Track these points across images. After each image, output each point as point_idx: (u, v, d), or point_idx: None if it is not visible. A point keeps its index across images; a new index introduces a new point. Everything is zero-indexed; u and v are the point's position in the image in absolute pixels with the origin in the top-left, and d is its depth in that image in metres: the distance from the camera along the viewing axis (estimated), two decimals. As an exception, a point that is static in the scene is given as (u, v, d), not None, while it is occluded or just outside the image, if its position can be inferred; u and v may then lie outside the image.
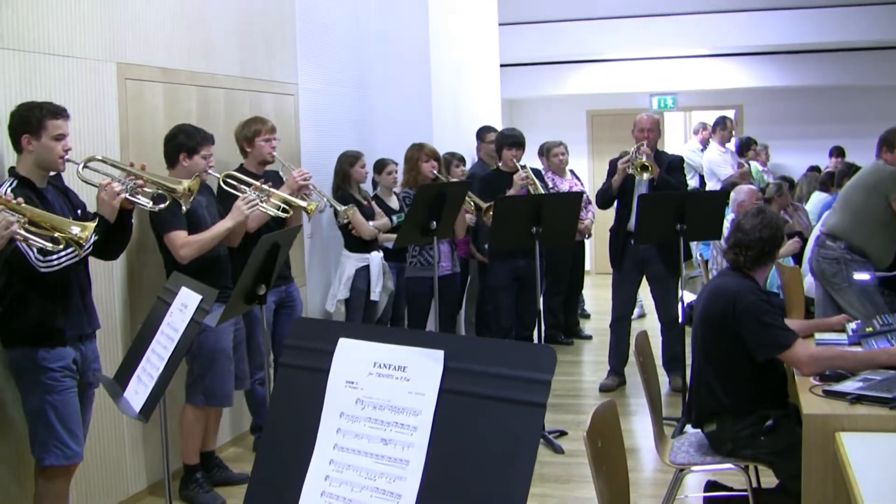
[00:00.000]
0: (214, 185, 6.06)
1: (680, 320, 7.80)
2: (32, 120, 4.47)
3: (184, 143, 5.71)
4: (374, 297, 7.42)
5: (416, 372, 1.96)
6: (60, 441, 4.50)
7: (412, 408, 1.95)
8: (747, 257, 4.66)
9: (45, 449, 4.52)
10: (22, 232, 3.92)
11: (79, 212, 4.65)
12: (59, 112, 4.54)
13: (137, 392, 3.79)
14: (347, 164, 7.47)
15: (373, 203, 7.62)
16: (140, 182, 4.76)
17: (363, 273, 7.41)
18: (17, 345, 4.53)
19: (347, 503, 1.97)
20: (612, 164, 7.96)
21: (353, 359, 2.06)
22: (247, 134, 6.49)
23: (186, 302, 3.80)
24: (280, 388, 2.26)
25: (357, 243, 7.40)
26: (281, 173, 6.62)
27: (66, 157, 4.56)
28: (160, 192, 4.98)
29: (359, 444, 2.00)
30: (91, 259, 4.94)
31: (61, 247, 4.15)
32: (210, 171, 5.84)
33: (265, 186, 6.02)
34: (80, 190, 4.85)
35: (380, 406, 1.99)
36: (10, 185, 4.38)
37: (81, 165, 4.70)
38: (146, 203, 4.84)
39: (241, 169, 6.38)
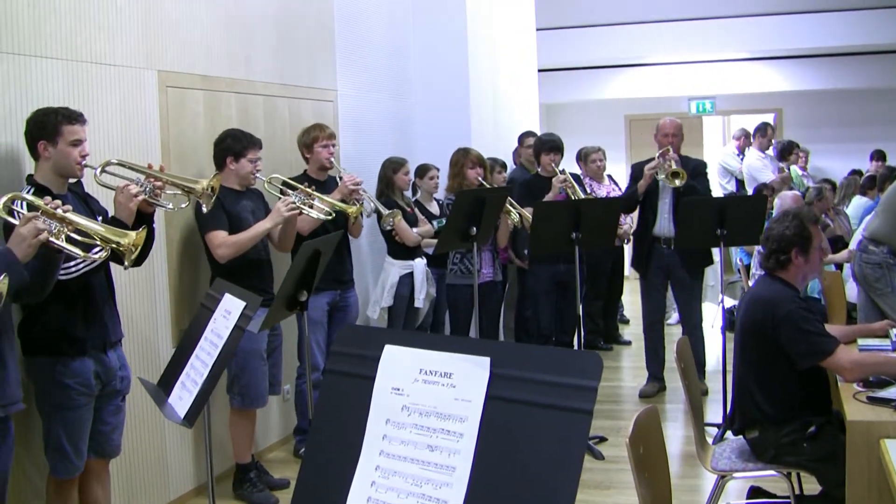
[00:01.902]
0: (263, 190, 6.12)
1: (701, 325, 7.99)
2: (48, 125, 4.40)
3: (230, 146, 5.81)
4: (418, 304, 7.41)
5: (463, 378, 1.97)
6: (65, 456, 4.52)
7: (458, 414, 1.95)
8: (778, 260, 4.63)
9: (50, 459, 4.56)
10: (58, 242, 3.87)
11: (99, 218, 4.56)
12: (76, 117, 4.47)
13: (182, 398, 3.81)
14: (391, 170, 7.48)
15: (416, 209, 7.62)
16: (159, 184, 4.68)
17: (407, 280, 7.39)
18: (37, 353, 4.51)
19: (394, 509, 1.98)
20: (635, 169, 8.01)
21: (399, 365, 2.07)
22: (306, 140, 6.62)
23: (230, 308, 3.81)
24: (326, 394, 2.27)
25: (401, 250, 7.39)
26: (338, 179, 6.64)
27: (84, 162, 4.49)
28: (180, 192, 4.94)
29: (405, 450, 2.00)
30: (132, 267, 4.97)
31: (103, 254, 4.12)
32: (258, 174, 5.90)
33: (310, 190, 6.05)
34: (101, 196, 4.82)
35: (426, 413, 2.00)
36: (28, 192, 4.29)
37: (99, 170, 4.62)
38: (166, 204, 4.79)
39: (304, 175, 6.52)
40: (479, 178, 7.64)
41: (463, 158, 7.75)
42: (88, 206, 4.68)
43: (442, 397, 1.99)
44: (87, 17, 5.17)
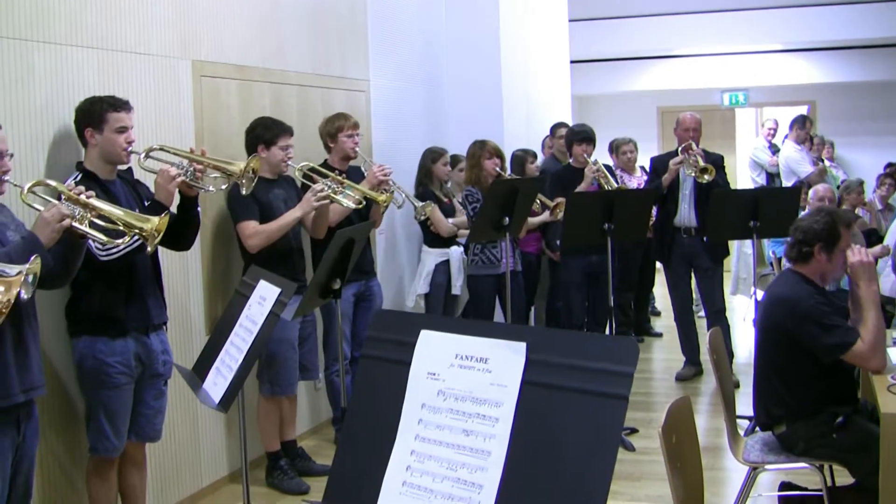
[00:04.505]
0: (296, 178, 6.15)
1: (725, 311, 8.07)
2: (94, 114, 4.53)
3: (261, 135, 5.83)
4: (455, 291, 7.51)
5: (499, 364, 1.98)
6: (104, 435, 4.59)
7: (494, 399, 1.96)
8: (801, 251, 4.61)
9: (91, 438, 4.64)
10: (82, 228, 3.89)
11: (146, 204, 4.64)
12: (121, 105, 4.57)
13: (217, 383, 3.84)
14: (430, 160, 7.55)
15: (454, 200, 7.64)
16: (200, 167, 4.75)
17: (443, 268, 7.49)
18: (80, 333, 4.59)
19: (429, 493, 1.99)
20: (656, 162, 8.15)
21: (434, 350, 2.08)
22: (330, 130, 6.59)
23: (265, 295, 3.83)
24: (361, 378, 2.28)
25: (437, 238, 7.48)
26: (363, 168, 6.65)
27: (130, 148, 4.59)
28: (221, 175, 5.00)
29: (440, 434, 2.02)
30: (169, 252, 5.02)
31: (126, 239, 4.16)
32: (290, 162, 5.93)
33: (341, 178, 6.08)
34: (151, 183, 4.85)
35: (461, 397, 2.01)
36: (75, 178, 4.42)
37: (143, 155, 4.71)
38: (207, 187, 4.84)
39: (324, 164, 6.49)
40: (497, 169, 7.63)
41: (480, 150, 7.71)
42: (137, 192, 4.76)
43: (478, 382, 2.00)
44: (122, 7, 5.20)
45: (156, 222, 4.11)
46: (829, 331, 4.37)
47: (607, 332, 7.48)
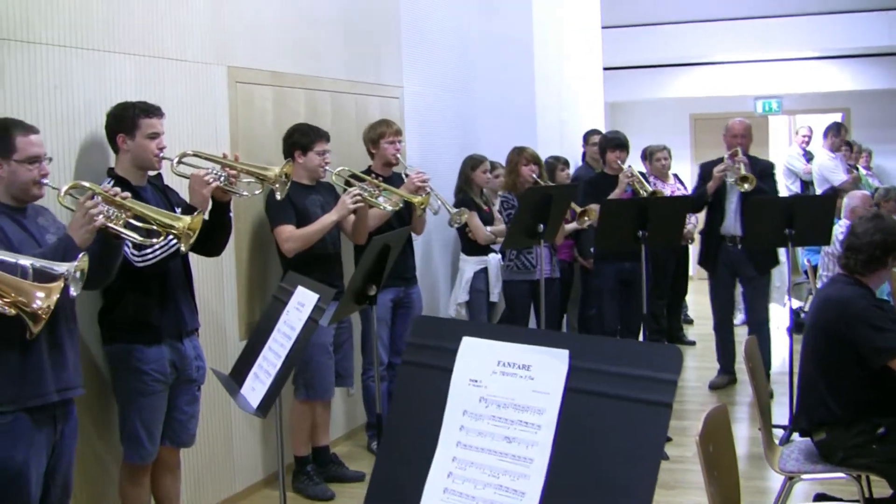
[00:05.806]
0: (334, 183, 6.19)
1: (768, 323, 8.02)
2: (126, 119, 4.53)
3: (298, 140, 5.89)
4: (493, 298, 7.54)
5: (541, 371, 1.97)
6: (138, 442, 4.59)
7: (536, 406, 1.96)
8: (858, 261, 4.58)
9: (125, 445, 4.64)
10: (116, 228, 3.91)
11: (177, 210, 4.65)
12: (153, 110, 4.58)
13: (254, 389, 3.85)
14: (470, 167, 7.59)
15: (493, 208, 7.65)
16: (233, 172, 4.76)
17: (482, 275, 7.53)
18: (115, 340, 4.60)
19: (471, 500, 1.98)
20: (704, 169, 8.07)
21: (476, 357, 2.07)
22: (372, 136, 6.66)
23: (303, 301, 3.84)
24: (402, 384, 2.28)
25: (474, 246, 7.53)
26: (403, 175, 6.67)
27: (162, 154, 4.59)
28: (254, 181, 5.01)
29: (482, 441, 2.01)
30: (202, 258, 5.04)
31: (161, 240, 4.17)
32: (327, 167, 5.97)
33: (377, 182, 6.12)
34: (181, 188, 4.88)
35: (504, 404, 2.00)
36: (107, 184, 4.35)
37: (176, 161, 4.71)
38: (241, 192, 4.85)
39: (368, 171, 6.54)
40: (534, 175, 7.64)
41: (517, 157, 7.78)
42: (167, 198, 4.77)
43: (520, 389, 1.99)
44: (159, 13, 5.24)
45: (188, 221, 4.14)
46: (880, 332, 4.35)
47: (640, 339, 7.45)
